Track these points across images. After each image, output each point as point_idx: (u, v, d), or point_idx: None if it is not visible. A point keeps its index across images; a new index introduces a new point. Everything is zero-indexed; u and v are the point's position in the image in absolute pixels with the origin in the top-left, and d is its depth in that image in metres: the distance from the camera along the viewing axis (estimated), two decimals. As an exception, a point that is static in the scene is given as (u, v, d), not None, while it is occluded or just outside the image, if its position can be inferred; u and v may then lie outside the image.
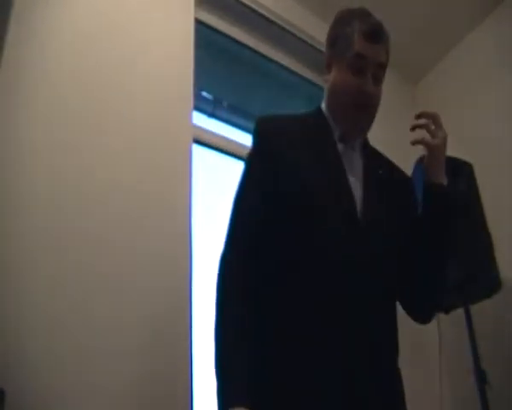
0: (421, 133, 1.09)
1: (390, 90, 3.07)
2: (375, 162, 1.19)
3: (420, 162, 1.96)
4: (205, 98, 2.09)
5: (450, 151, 2.00)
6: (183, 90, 1.83)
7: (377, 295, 1.00)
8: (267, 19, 2.36)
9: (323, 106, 1.19)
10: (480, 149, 2.39)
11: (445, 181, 1.08)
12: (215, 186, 2.02)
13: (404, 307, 1.13)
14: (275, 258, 1.01)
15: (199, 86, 1.98)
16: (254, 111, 2.25)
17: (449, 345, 2.05)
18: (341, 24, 1.16)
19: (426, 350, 2.07)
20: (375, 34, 1.11)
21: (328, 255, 0.98)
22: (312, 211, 1.01)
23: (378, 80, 1.12)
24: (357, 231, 1.02)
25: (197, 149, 1.85)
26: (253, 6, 2.31)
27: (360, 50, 1.09)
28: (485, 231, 1.85)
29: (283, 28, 2.42)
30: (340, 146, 1.12)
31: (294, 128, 1.13)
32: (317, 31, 2.50)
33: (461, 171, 1.94)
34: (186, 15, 1.98)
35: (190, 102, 1.83)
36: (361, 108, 1.10)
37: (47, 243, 1.32)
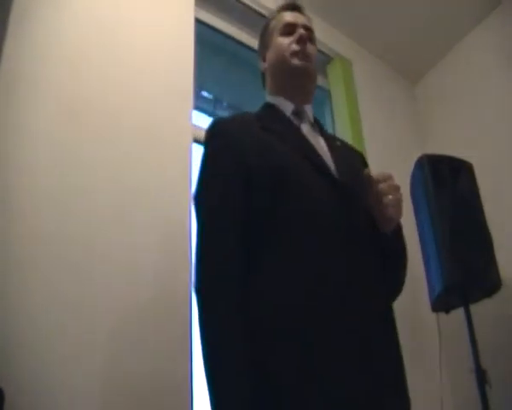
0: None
1: (390, 90, 3.10)
2: (332, 136, 1.23)
3: (420, 162, 1.96)
4: (205, 98, 2.09)
5: (451, 151, 2.01)
6: (183, 90, 1.83)
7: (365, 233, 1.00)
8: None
9: (269, 97, 1.24)
10: (479, 149, 2.39)
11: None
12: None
13: None
14: (258, 240, 0.96)
15: (199, 86, 1.98)
16: (254, 111, 2.25)
17: (449, 345, 2.05)
18: (265, 23, 1.32)
19: (426, 350, 2.07)
20: (292, 5, 1.27)
21: (312, 212, 0.96)
22: (288, 182, 0.97)
23: (310, 40, 1.20)
24: (334, 183, 1.00)
25: (197, 149, 1.85)
26: (253, 6, 2.31)
27: (285, 18, 1.23)
28: (485, 231, 1.85)
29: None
30: (295, 121, 1.13)
31: (250, 120, 1.13)
32: (317, 30, 2.50)
33: (461, 171, 1.95)
34: (186, 15, 1.98)
35: (190, 101, 1.83)
36: (299, 56, 1.15)
37: (47, 244, 1.32)
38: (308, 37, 1.19)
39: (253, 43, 2.36)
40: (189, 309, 1.49)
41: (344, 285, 0.91)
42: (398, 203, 1.01)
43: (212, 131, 1.10)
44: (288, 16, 1.23)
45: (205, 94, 2.09)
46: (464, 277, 1.76)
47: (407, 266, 1.12)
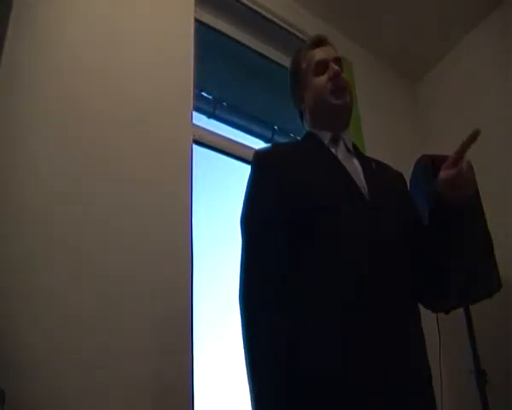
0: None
1: (390, 90, 3.09)
2: (367, 159, 1.28)
3: (420, 162, 1.96)
4: (205, 98, 2.09)
5: (451, 151, 2.01)
6: (183, 90, 1.83)
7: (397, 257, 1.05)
8: (267, 19, 2.36)
9: (308, 128, 1.31)
10: (479, 149, 2.39)
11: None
12: (215, 186, 2.02)
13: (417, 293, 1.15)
14: (295, 268, 1.04)
15: (199, 86, 1.98)
16: (254, 111, 2.25)
17: (449, 345, 2.05)
18: (295, 62, 1.36)
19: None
20: (319, 39, 1.32)
21: (344, 236, 1.03)
22: (320, 208, 1.05)
23: (342, 71, 1.28)
24: (366, 206, 1.07)
25: (197, 149, 1.85)
26: (253, 6, 2.31)
27: (316, 57, 1.28)
28: (485, 231, 1.85)
29: (283, 28, 2.43)
30: (333, 150, 1.20)
31: (289, 150, 1.24)
32: (317, 31, 2.50)
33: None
34: (186, 15, 1.98)
35: (190, 102, 1.83)
36: (337, 90, 1.22)
37: (47, 244, 1.32)
38: (340, 70, 1.26)
39: (253, 43, 2.37)
40: (189, 310, 1.49)
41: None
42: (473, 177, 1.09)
43: (255, 159, 1.20)
44: (318, 54, 1.28)
45: (205, 94, 2.09)
46: (464, 277, 1.76)
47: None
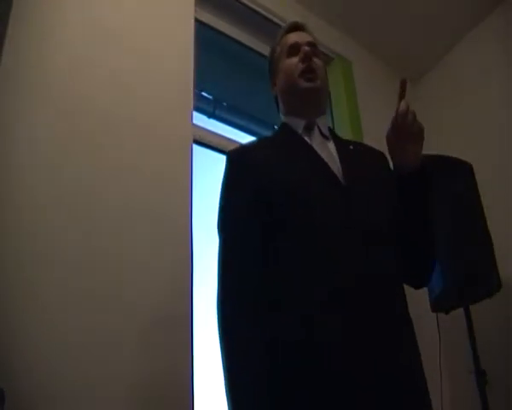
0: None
1: (390, 90, 3.07)
2: (345, 142, 1.24)
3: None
4: (205, 98, 2.09)
5: (451, 151, 2.01)
6: (183, 91, 1.83)
7: (378, 235, 1.02)
8: (267, 19, 2.36)
9: (282, 117, 1.28)
10: (480, 149, 2.39)
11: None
12: (215, 186, 2.02)
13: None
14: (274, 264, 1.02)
15: (199, 86, 1.98)
16: (254, 111, 2.25)
17: (449, 345, 2.05)
18: (271, 49, 1.34)
19: (426, 350, 2.07)
20: (295, 25, 1.30)
21: (319, 226, 1.00)
22: (295, 201, 1.03)
23: (315, 55, 1.22)
24: (342, 193, 1.04)
25: (197, 149, 1.85)
26: (253, 6, 2.31)
27: (290, 41, 1.25)
28: (484, 231, 1.85)
29: (283, 28, 2.43)
30: (307, 138, 1.17)
31: (262, 145, 1.21)
32: (317, 31, 2.50)
33: (460, 171, 1.95)
34: (186, 15, 1.98)
35: (190, 102, 1.83)
36: (308, 72, 1.18)
37: (47, 245, 1.32)
38: (313, 52, 1.21)
39: (254, 43, 2.37)
40: (190, 312, 1.49)
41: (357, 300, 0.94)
42: (422, 133, 1.05)
43: (227, 159, 1.17)
44: (292, 37, 1.26)
45: (205, 94, 2.09)
46: (464, 277, 1.77)
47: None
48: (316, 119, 1.21)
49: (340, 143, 1.21)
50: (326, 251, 0.98)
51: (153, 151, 1.64)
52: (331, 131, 1.24)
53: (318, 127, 1.20)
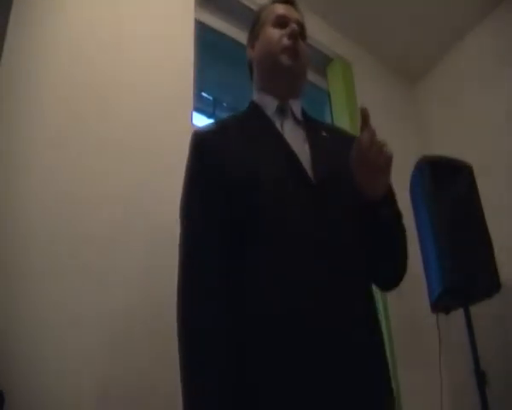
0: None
1: (390, 91, 3.09)
2: (317, 127, 1.17)
3: (419, 164, 1.96)
4: (205, 98, 2.09)
5: (450, 152, 2.01)
6: (183, 91, 1.84)
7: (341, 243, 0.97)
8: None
9: (254, 92, 1.20)
10: (479, 150, 2.39)
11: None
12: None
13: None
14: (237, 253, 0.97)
15: (199, 86, 1.98)
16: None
17: (449, 345, 2.05)
18: (255, 14, 1.27)
19: (426, 350, 2.07)
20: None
21: (286, 223, 0.94)
22: (261, 199, 0.96)
23: (301, 37, 1.16)
24: (311, 190, 0.98)
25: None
26: (253, 7, 2.31)
27: (279, 10, 1.19)
28: (484, 231, 1.85)
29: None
30: (278, 122, 1.10)
31: (230, 126, 1.12)
32: (317, 31, 2.51)
33: (460, 172, 1.95)
34: (186, 16, 1.99)
35: (190, 102, 1.84)
36: (291, 50, 1.12)
37: (47, 245, 1.32)
38: (300, 33, 1.15)
39: (253, 43, 2.37)
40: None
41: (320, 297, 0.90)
42: (389, 163, 0.96)
43: (191, 143, 1.09)
44: (282, 9, 1.19)
45: (205, 95, 2.09)
46: (464, 278, 1.77)
47: (407, 240, 1.07)
48: (289, 100, 1.14)
49: (314, 130, 1.13)
50: (287, 254, 0.93)
51: (153, 151, 1.64)
52: (304, 113, 1.17)
53: (291, 110, 1.13)
